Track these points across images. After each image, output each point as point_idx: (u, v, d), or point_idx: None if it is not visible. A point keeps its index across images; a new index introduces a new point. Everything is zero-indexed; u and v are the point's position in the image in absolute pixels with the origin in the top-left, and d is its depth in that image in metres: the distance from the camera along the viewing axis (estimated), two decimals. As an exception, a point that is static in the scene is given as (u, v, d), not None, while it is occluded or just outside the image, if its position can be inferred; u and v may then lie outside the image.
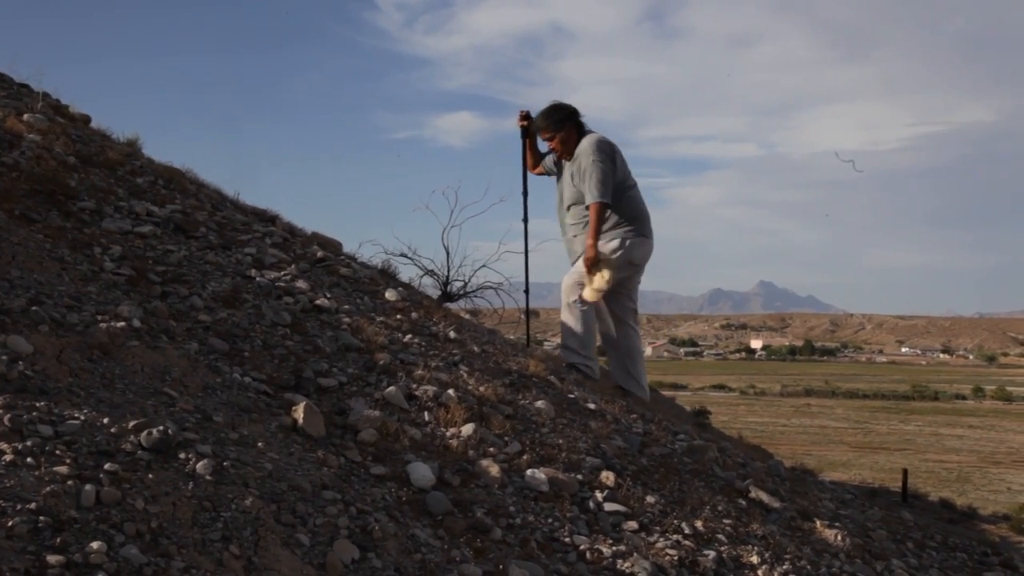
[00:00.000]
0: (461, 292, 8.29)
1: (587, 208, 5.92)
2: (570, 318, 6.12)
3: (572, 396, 4.61)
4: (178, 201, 4.90)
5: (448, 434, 3.48)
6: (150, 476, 2.27)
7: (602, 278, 5.86)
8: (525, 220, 6.72)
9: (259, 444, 2.74)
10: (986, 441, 61.94)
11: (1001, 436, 65.36)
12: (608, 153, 5.94)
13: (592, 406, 4.56)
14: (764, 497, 4.17)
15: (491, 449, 3.46)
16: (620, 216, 6.01)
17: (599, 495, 3.42)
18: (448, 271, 7.70)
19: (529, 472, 3.36)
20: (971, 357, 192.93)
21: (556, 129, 6.10)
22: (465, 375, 4.13)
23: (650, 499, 3.55)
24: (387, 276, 6.06)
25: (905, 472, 7.70)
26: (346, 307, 4.43)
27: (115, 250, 3.91)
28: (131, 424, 2.45)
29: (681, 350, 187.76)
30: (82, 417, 2.43)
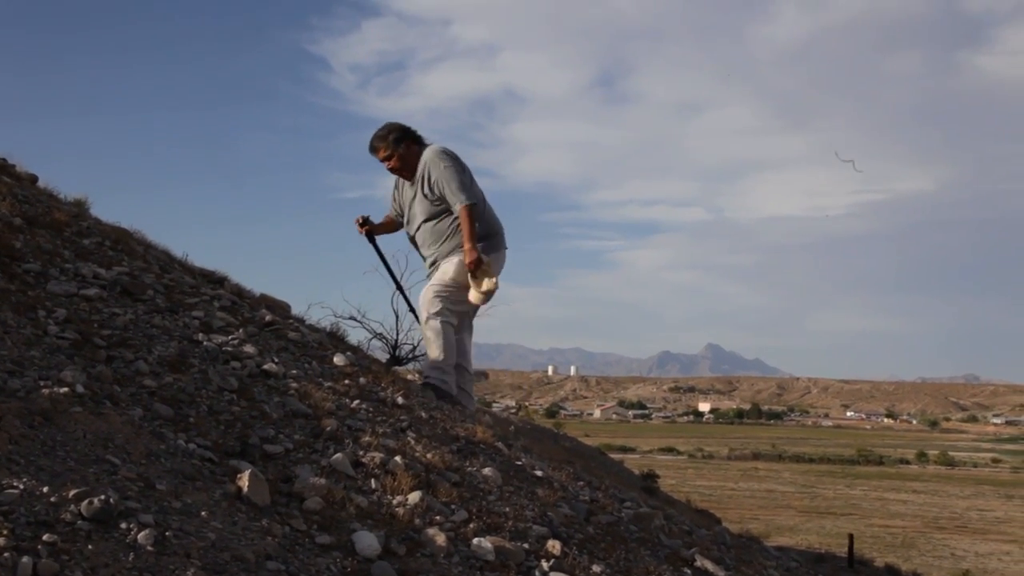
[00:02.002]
0: (410, 356, 8.28)
1: (450, 217, 5.76)
2: (429, 333, 5.86)
3: (520, 463, 4.61)
4: (125, 263, 4.86)
5: (395, 502, 3.45)
6: (90, 547, 2.24)
7: (490, 281, 5.68)
8: (412, 310, 6.61)
9: (203, 513, 2.71)
10: (930, 506, 62.61)
11: (945, 501, 66.13)
12: (456, 158, 5.78)
13: (539, 473, 4.56)
14: (709, 566, 4.18)
15: (437, 517, 3.44)
16: (480, 229, 5.78)
17: (545, 564, 3.41)
18: (397, 335, 7.72)
19: (475, 541, 3.35)
20: (914, 422, 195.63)
21: (393, 148, 5.87)
22: (413, 441, 4.12)
23: (596, 568, 3.55)
24: (336, 339, 6.04)
25: (851, 537, 7.79)
26: (294, 372, 4.40)
27: (60, 313, 3.86)
28: (71, 493, 2.42)
29: (630, 413, 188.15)
30: (21, 486, 2.39)
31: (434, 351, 5.82)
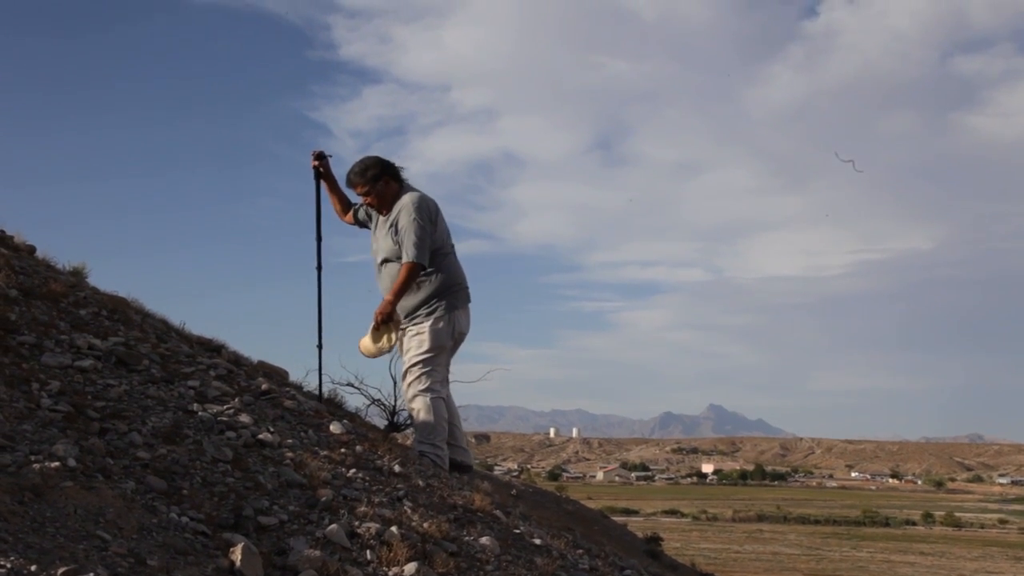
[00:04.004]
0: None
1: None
2: (420, 405, 5.69)
3: (518, 531, 4.55)
4: (121, 333, 4.86)
5: (390, 574, 3.41)
6: (77, 627, 2.20)
7: (388, 340, 5.56)
8: (319, 268, 6.13)
9: (194, 589, 2.67)
10: (938, 568, 61.76)
11: (953, 563, 65.24)
12: (429, 214, 5.67)
13: (538, 541, 4.51)
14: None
15: (434, 589, 3.39)
16: (440, 284, 5.73)
17: (544, 637, 3.35)
18: (395, 400, 7.67)
19: (472, 614, 3.30)
20: (919, 482, 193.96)
21: (371, 185, 5.72)
22: (409, 511, 4.08)
23: (596, 640, 3.49)
24: (333, 406, 6.01)
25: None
26: (289, 441, 4.37)
27: (53, 385, 3.85)
28: (60, 571, 2.38)
29: (633, 475, 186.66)
30: (8, 565, 2.36)
31: (426, 428, 5.71)
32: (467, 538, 4.04)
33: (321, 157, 6.03)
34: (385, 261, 5.79)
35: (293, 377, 6.18)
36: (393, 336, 5.58)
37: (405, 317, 5.76)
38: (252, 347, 6.29)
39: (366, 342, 5.62)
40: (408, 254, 5.55)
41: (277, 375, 5.85)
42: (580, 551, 4.78)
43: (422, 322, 5.73)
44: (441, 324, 5.71)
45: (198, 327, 5.91)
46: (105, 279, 5.85)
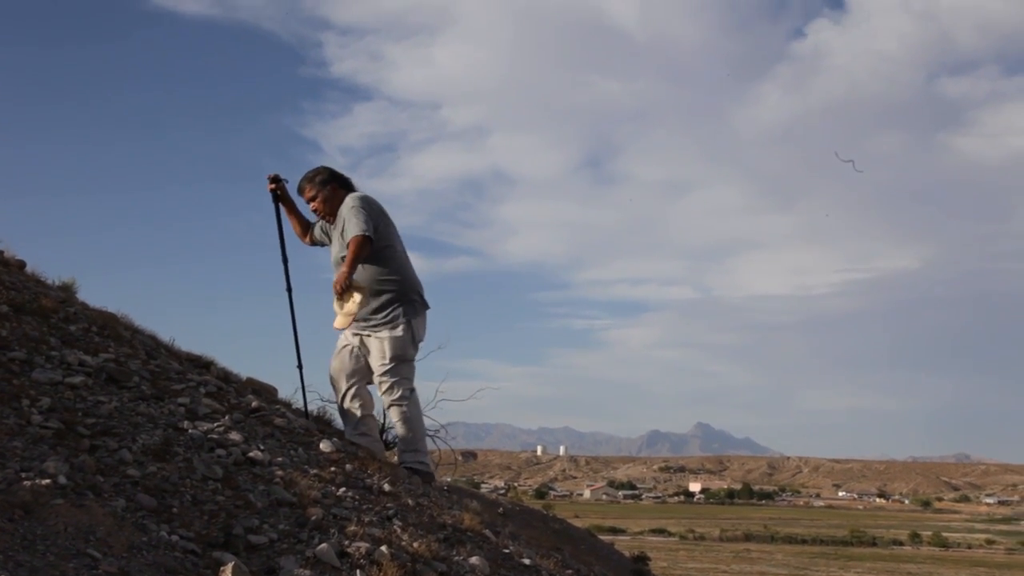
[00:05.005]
0: (396, 439, 8.20)
1: (368, 268, 5.68)
2: (396, 416, 5.81)
3: (507, 551, 4.55)
4: (111, 349, 4.85)
5: (380, 594, 3.40)
6: (68, 647, 2.19)
7: (354, 302, 5.54)
8: (288, 289, 6.05)
9: (184, 609, 2.66)
10: (925, 588, 61.69)
11: (939, 583, 65.17)
12: (369, 204, 5.73)
13: (527, 561, 4.51)
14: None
15: (424, 610, 3.39)
16: (398, 290, 5.78)
17: (533, 658, 3.35)
18: (384, 419, 7.65)
19: (462, 634, 3.29)
20: (906, 502, 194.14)
21: (318, 189, 5.84)
22: (399, 530, 4.07)
23: (585, 661, 3.49)
24: (322, 423, 6.00)
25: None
26: (280, 459, 4.37)
27: (44, 402, 3.83)
28: (50, 590, 2.38)
29: (620, 493, 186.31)
30: (-1, 583, 2.35)
31: (405, 436, 5.82)
32: (457, 558, 4.04)
33: (277, 180, 6.02)
34: (340, 260, 5.76)
35: (282, 394, 6.17)
36: (359, 296, 5.54)
37: (364, 321, 5.78)
38: (241, 363, 6.29)
39: (339, 319, 5.62)
40: (353, 230, 5.55)
41: (267, 392, 5.83)
42: (569, 571, 4.78)
43: (381, 331, 5.78)
44: (400, 332, 5.76)
45: (187, 343, 5.89)
46: (95, 294, 5.82)
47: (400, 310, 5.78)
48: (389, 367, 5.78)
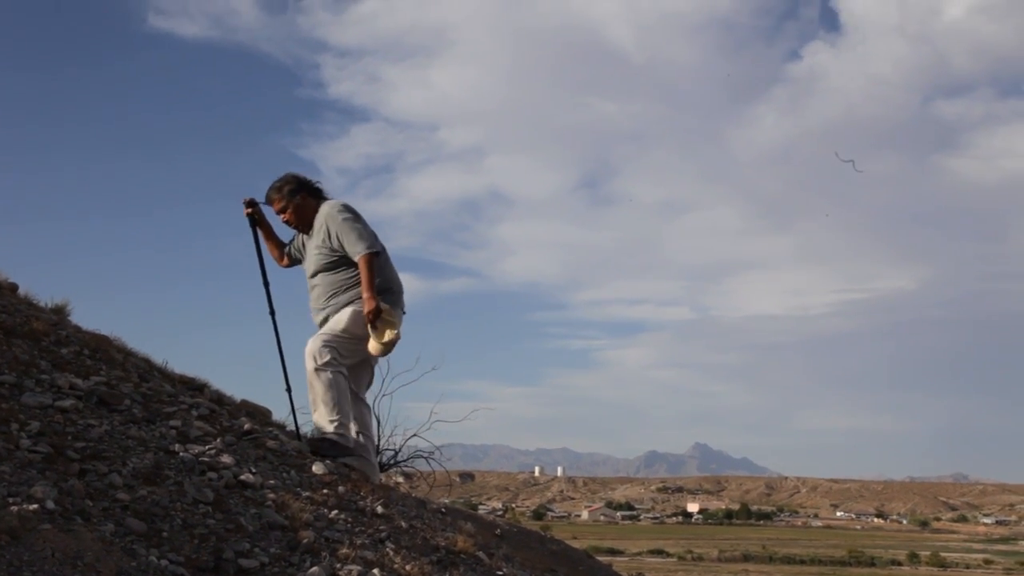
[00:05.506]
0: (392, 462, 8.20)
1: (347, 269, 5.49)
2: (318, 384, 5.37)
3: (501, 573, 4.53)
4: (103, 372, 4.83)
5: (372, 618, 3.38)
6: (52, 674, 2.17)
7: (391, 332, 5.37)
8: (271, 312, 5.92)
9: (172, 634, 2.64)
10: (924, 608, 61.46)
11: (938, 603, 64.94)
12: (356, 212, 5.55)
13: (521, 584, 4.48)
14: None
15: (416, 634, 3.36)
16: (378, 284, 5.46)
17: None
18: (378, 440, 7.64)
19: (455, 658, 3.27)
20: (904, 522, 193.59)
21: (287, 200, 5.65)
22: (391, 552, 4.05)
23: None
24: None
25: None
26: (271, 482, 4.34)
27: (33, 426, 3.81)
28: (36, 616, 2.35)
29: (618, 514, 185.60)
30: (-16, 609, 2.33)
31: (328, 403, 5.39)
32: (450, 581, 4.01)
33: (253, 204, 5.86)
34: (316, 273, 5.63)
35: (276, 416, 6.15)
36: (394, 329, 5.40)
37: (331, 299, 5.59)
38: (238, 386, 6.27)
39: (373, 344, 5.44)
40: (359, 249, 5.40)
41: (260, 414, 5.81)
42: (564, 593, 4.75)
43: (349, 306, 5.52)
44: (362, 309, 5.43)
45: (181, 365, 5.87)
46: (88, 317, 5.79)
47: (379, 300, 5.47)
48: (336, 336, 5.46)
